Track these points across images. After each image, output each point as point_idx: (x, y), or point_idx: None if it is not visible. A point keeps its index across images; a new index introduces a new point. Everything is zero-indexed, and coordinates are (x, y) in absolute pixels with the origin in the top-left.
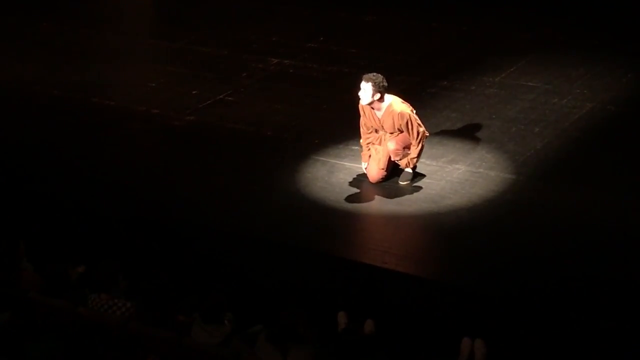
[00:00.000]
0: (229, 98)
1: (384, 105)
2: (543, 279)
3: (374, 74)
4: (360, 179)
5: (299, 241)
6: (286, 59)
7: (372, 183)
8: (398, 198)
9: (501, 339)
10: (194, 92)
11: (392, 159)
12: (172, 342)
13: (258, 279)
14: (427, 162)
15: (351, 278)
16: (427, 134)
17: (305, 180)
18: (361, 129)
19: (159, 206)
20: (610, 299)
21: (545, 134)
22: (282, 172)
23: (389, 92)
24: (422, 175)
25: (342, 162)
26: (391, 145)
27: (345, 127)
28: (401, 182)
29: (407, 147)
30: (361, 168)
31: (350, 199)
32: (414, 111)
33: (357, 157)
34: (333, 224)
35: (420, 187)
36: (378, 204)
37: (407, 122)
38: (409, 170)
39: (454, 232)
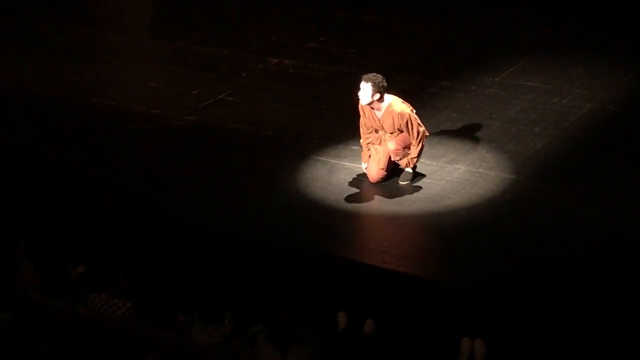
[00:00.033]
0: (229, 98)
1: (384, 105)
2: (543, 279)
3: (374, 74)
4: (360, 179)
5: (299, 241)
6: (286, 59)
7: (372, 183)
8: (398, 198)
9: (501, 339)
10: (194, 92)
11: (392, 159)
12: (172, 342)
13: (258, 279)
14: (427, 162)
15: (351, 278)
16: (427, 134)
17: (305, 180)
18: (361, 129)
19: (159, 206)
20: (610, 299)
21: (545, 134)
22: (282, 172)
23: (388, 92)
24: (422, 175)
25: (342, 162)
26: (391, 145)
27: (345, 127)
28: (401, 182)
29: (407, 147)
30: (361, 168)
31: (350, 199)
32: (414, 111)
33: (357, 157)
34: (333, 224)
35: (420, 187)
36: (378, 204)
37: (407, 122)
38: (409, 170)
39: (454, 232)
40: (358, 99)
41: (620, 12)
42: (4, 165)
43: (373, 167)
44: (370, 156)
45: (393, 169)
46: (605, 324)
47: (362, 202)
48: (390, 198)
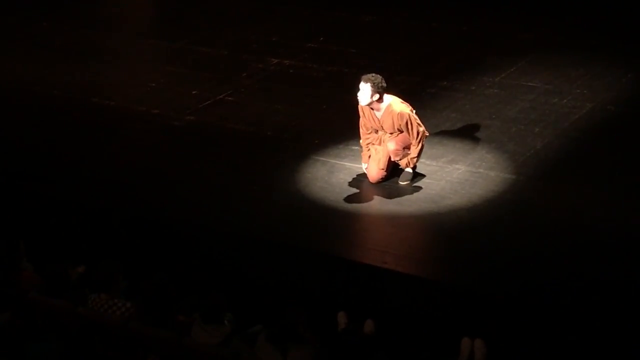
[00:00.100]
0: (229, 98)
1: (383, 105)
2: (543, 279)
3: (373, 74)
4: (360, 179)
5: (299, 241)
6: (286, 59)
7: (372, 183)
8: (398, 198)
9: (501, 339)
10: (194, 92)
11: (392, 159)
12: (172, 342)
13: (258, 279)
14: (427, 162)
15: (351, 278)
16: (427, 134)
17: (305, 180)
18: (361, 130)
19: (159, 206)
20: (610, 299)
21: (545, 134)
22: (282, 172)
23: (388, 92)
24: (422, 175)
25: (342, 162)
26: (391, 145)
27: (345, 127)
28: (401, 182)
29: (407, 147)
30: (361, 168)
31: (350, 199)
32: (414, 111)
33: (357, 157)
34: (333, 224)
35: (420, 187)
36: (378, 204)
37: (406, 122)
38: (409, 170)
39: (454, 232)
40: (357, 100)
41: (620, 12)
42: (4, 165)
43: (373, 167)
44: (370, 156)
45: (393, 169)
46: (605, 324)
47: (362, 202)
48: (390, 198)
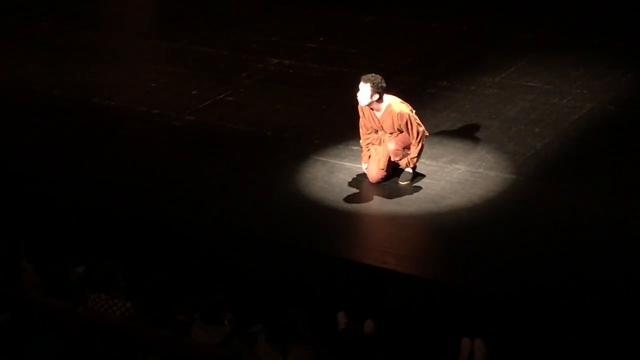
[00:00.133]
0: (229, 98)
1: (383, 105)
2: (543, 279)
3: (373, 74)
4: (360, 179)
5: (299, 241)
6: (286, 59)
7: (372, 183)
8: (398, 198)
9: (501, 339)
10: (194, 92)
11: (392, 159)
12: (172, 342)
13: (258, 279)
14: (427, 162)
15: (351, 278)
16: (427, 134)
17: (305, 180)
18: (360, 130)
19: (159, 206)
20: (610, 299)
21: (545, 134)
22: (282, 172)
23: (388, 93)
24: (422, 175)
25: (342, 162)
26: (391, 145)
27: (345, 127)
28: (401, 182)
29: (407, 147)
30: (361, 168)
31: (350, 199)
32: (414, 111)
33: (357, 157)
34: (333, 224)
35: (420, 187)
36: (378, 204)
37: (406, 122)
38: (409, 170)
39: (454, 232)
40: (357, 100)
41: (620, 12)
42: (4, 165)
43: (373, 167)
44: (370, 156)
45: (393, 169)
46: (605, 324)
47: (362, 202)
48: (390, 198)
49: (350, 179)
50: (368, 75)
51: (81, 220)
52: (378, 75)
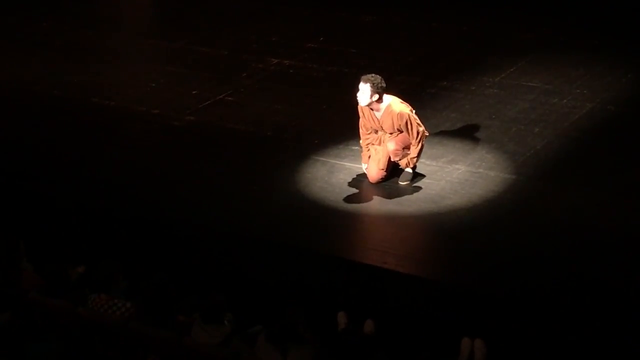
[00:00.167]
0: (229, 98)
1: (383, 105)
2: (543, 279)
3: (373, 74)
4: (360, 179)
5: (299, 241)
6: (286, 59)
7: (372, 183)
8: (398, 198)
9: (501, 339)
10: (194, 92)
11: (392, 159)
12: (172, 342)
13: (258, 279)
14: (427, 162)
15: (351, 278)
16: (427, 134)
17: (305, 180)
18: (360, 130)
19: (159, 206)
20: (610, 299)
21: (545, 134)
22: (282, 172)
23: (388, 93)
24: (422, 175)
25: (342, 162)
26: (391, 145)
27: (345, 127)
28: (401, 182)
29: (406, 147)
30: (361, 168)
31: (350, 199)
32: (414, 111)
33: (357, 157)
34: (333, 224)
35: (420, 187)
36: (378, 204)
37: (406, 122)
38: (409, 170)
39: (454, 232)
40: (357, 100)
41: (620, 12)
42: (4, 165)
43: (373, 167)
44: (370, 156)
45: (393, 169)
46: (605, 324)
47: (362, 202)
48: (390, 198)
49: (350, 179)
50: (368, 75)
51: (81, 220)
52: (378, 76)
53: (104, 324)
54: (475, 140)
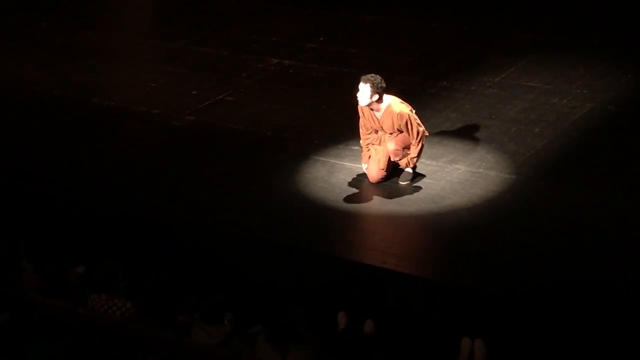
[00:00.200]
0: (229, 98)
1: (383, 106)
2: (543, 279)
3: (372, 74)
4: (360, 179)
5: (299, 241)
6: (286, 59)
7: (372, 183)
8: (398, 198)
9: (501, 339)
10: (194, 92)
11: (392, 159)
12: (172, 343)
13: (258, 279)
14: (427, 162)
15: (351, 278)
16: (427, 134)
17: (305, 180)
18: (360, 130)
19: (159, 206)
20: (610, 299)
21: (545, 134)
22: (282, 172)
23: (388, 93)
24: (422, 175)
25: (342, 162)
26: (391, 145)
27: (345, 127)
28: (401, 182)
29: (406, 147)
30: (361, 168)
31: (350, 199)
32: (414, 111)
33: (357, 157)
34: (333, 224)
35: (420, 187)
36: (378, 204)
37: (406, 122)
38: (409, 170)
39: (454, 232)
40: (357, 100)
41: (620, 12)
42: (4, 165)
43: (373, 167)
44: (370, 156)
45: (393, 169)
46: (605, 324)
47: (362, 202)
48: (390, 198)
49: (350, 179)
50: (368, 75)
51: (81, 220)
52: (378, 76)
53: (104, 324)
54: (475, 140)
